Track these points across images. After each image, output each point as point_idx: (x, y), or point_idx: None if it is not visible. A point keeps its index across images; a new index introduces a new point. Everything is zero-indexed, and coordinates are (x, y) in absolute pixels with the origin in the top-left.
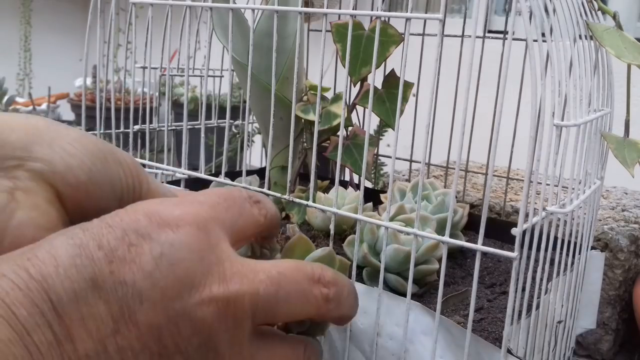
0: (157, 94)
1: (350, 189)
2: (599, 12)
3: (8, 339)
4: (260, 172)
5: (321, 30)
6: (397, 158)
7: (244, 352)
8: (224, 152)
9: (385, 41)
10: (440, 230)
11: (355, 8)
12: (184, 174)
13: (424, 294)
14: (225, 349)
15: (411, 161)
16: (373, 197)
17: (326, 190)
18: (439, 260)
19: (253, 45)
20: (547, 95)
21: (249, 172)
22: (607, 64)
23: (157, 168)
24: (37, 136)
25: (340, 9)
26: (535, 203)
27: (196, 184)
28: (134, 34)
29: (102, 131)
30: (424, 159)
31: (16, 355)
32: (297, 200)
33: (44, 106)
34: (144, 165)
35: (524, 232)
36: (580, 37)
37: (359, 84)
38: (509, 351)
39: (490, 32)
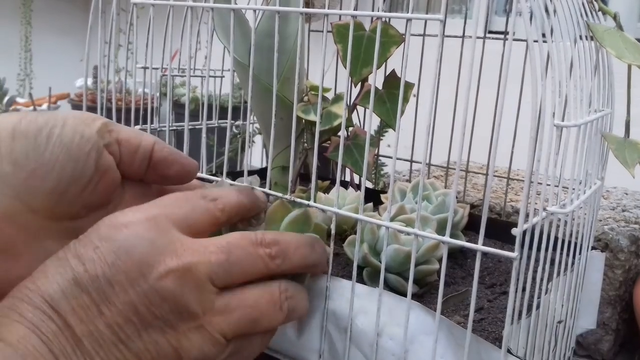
0: (157, 94)
1: (350, 189)
2: (600, 13)
3: (24, 335)
4: (261, 173)
5: (322, 31)
6: (397, 158)
7: (216, 304)
8: (225, 152)
9: (386, 42)
10: (440, 230)
11: (356, 9)
12: None
13: (425, 294)
14: (196, 306)
15: (412, 161)
16: (374, 197)
17: (327, 190)
18: (439, 261)
19: (254, 46)
20: (548, 95)
21: (250, 173)
22: (607, 65)
23: None
24: None
25: (341, 9)
26: (536, 203)
27: None
28: (135, 34)
29: None
30: (424, 159)
31: (34, 345)
32: (298, 200)
33: (44, 106)
34: None
35: (524, 232)
36: (580, 37)
37: (359, 84)
38: (509, 351)
39: (490, 32)
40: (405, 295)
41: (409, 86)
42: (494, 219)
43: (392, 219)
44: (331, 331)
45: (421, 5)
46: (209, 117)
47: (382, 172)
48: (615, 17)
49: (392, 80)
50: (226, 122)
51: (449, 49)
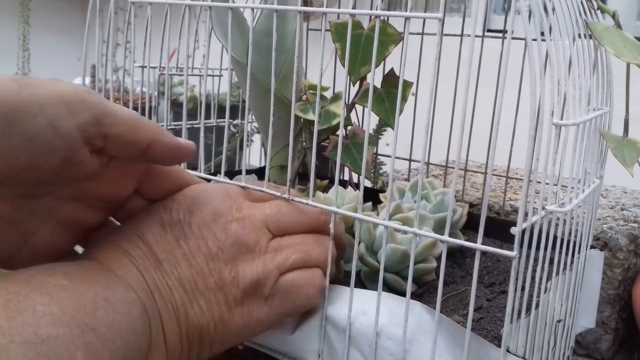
0: (155, 93)
1: (349, 188)
2: (598, 11)
3: (117, 256)
4: (260, 172)
5: (320, 30)
6: (396, 157)
7: (270, 244)
8: (223, 151)
9: (384, 40)
10: (439, 229)
11: (354, 7)
12: None
13: (423, 293)
14: (253, 243)
15: (410, 160)
16: (373, 196)
17: (325, 189)
18: (437, 259)
19: (252, 45)
20: (546, 94)
21: (249, 172)
22: (606, 63)
23: None
24: None
25: (339, 8)
26: (535, 202)
27: None
28: (133, 33)
29: None
30: (423, 158)
31: (125, 263)
32: (297, 199)
33: None
34: None
35: (523, 231)
36: (579, 36)
37: (358, 83)
38: (508, 350)
39: (489, 31)
40: (403, 294)
41: (407, 85)
42: (493, 217)
43: (389, 218)
44: (330, 331)
45: (420, 3)
46: (207, 116)
47: (381, 171)
48: (614, 16)
49: (390, 78)
50: (224, 121)
51: (448, 47)
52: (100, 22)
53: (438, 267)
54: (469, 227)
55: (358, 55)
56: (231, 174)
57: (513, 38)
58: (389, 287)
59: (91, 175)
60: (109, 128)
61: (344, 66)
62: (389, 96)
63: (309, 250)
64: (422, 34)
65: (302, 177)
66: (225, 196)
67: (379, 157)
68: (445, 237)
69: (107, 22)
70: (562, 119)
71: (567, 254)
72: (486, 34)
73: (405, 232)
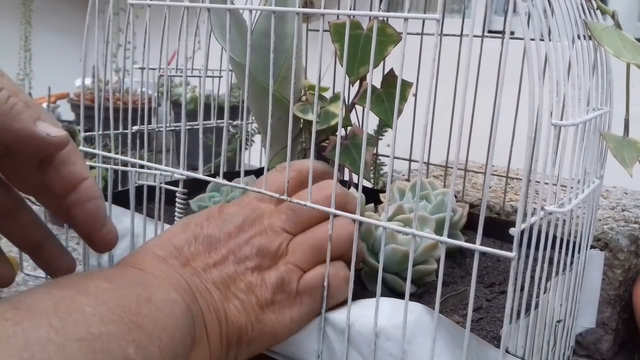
0: (156, 94)
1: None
2: (598, 12)
3: (155, 263)
4: (259, 173)
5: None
6: (396, 157)
7: (289, 245)
8: (222, 152)
9: (383, 41)
10: (439, 230)
11: (353, 8)
12: (182, 174)
13: (423, 294)
14: (275, 249)
15: (410, 160)
16: (373, 197)
17: None
18: (438, 261)
19: (251, 46)
20: (545, 94)
21: (248, 172)
22: (605, 63)
23: (155, 169)
24: None
25: (338, 9)
26: (534, 202)
27: (195, 185)
28: (132, 34)
29: (100, 132)
30: (422, 158)
31: (162, 270)
32: (295, 200)
33: (43, 106)
34: (142, 166)
35: (523, 232)
36: (578, 36)
37: (358, 83)
38: (507, 351)
39: (490, 32)
40: (403, 294)
41: (407, 85)
42: (493, 218)
43: (390, 219)
44: (329, 332)
45: (420, 4)
46: (208, 117)
47: (381, 172)
48: (613, 16)
49: (390, 79)
50: (224, 122)
51: (448, 48)
52: (101, 23)
53: (438, 268)
54: (470, 227)
55: (357, 55)
56: (231, 174)
57: (512, 38)
58: (389, 288)
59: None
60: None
61: (343, 67)
62: (389, 96)
63: (322, 243)
64: (422, 34)
65: None
66: (249, 212)
67: (379, 157)
68: (444, 238)
69: (107, 23)
70: (561, 119)
71: (567, 254)
72: (486, 34)
73: (405, 234)
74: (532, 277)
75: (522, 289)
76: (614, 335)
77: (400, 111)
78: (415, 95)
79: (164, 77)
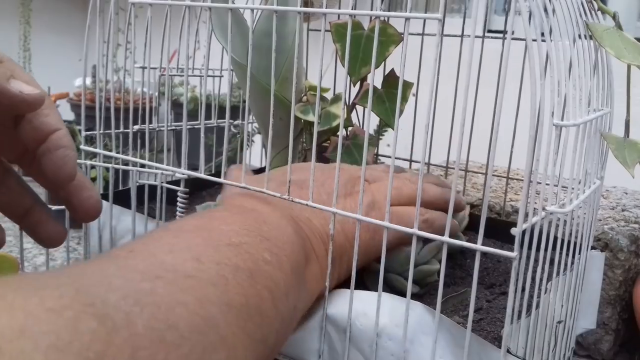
0: (156, 94)
1: None
2: (599, 12)
3: (265, 206)
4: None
5: (321, 30)
6: (396, 157)
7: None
8: (223, 152)
9: (384, 41)
10: None
11: (354, 8)
12: (183, 174)
13: (425, 294)
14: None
15: (411, 161)
16: None
17: None
18: (440, 262)
19: (252, 46)
20: (547, 95)
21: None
22: (606, 64)
23: (156, 168)
24: None
25: (339, 8)
26: (535, 203)
27: (196, 184)
28: (134, 33)
29: (101, 131)
30: (422, 158)
31: (277, 211)
32: (297, 200)
33: None
34: (143, 166)
35: (524, 232)
36: (579, 37)
37: (358, 83)
38: (508, 351)
39: (490, 31)
40: (405, 294)
41: (407, 85)
42: (493, 218)
43: None
44: (330, 332)
45: (420, 4)
46: (208, 117)
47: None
48: (614, 17)
49: (391, 79)
50: (225, 122)
51: (449, 48)
52: (101, 23)
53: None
54: (470, 227)
55: (358, 55)
56: None
57: (513, 39)
58: (392, 288)
59: None
60: None
61: (344, 67)
62: (390, 97)
63: (403, 185)
64: (423, 34)
65: None
66: (329, 168)
67: (380, 157)
68: (446, 238)
69: (107, 22)
70: (562, 119)
71: (567, 254)
72: (487, 34)
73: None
74: (533, 278)
75: (522, 289)
76: (615, 336)
77: (401, 111)
78: (415, 95)
79: (164, 77)
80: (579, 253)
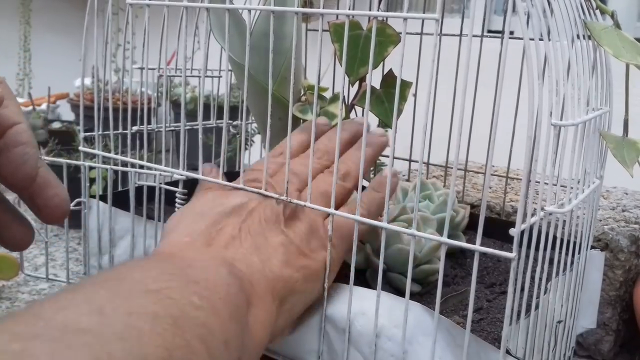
0: (155, 94)
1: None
2: (597, 11)
3: (197, 248)
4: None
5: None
6: (395, 158)
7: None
8: (222, 153)
9: (383, 41)
10: (442, 229)
11: (352, 8)
12: (182, 174)
13: (425, 293)
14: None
15: (410, 161)
16: None
17: None
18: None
19: (251, 46)
20: (545, 94)
21: None
22: (605, 63)
23: (155, 169)
24: None
25: (337, 8)
26: (534, 203)
27: (195, 185)
28: (132, 34)
29: (100, 132)
30: (421, 158)
31: (208, 254)
32: (295, 201)
33: (43, 106)
34: (141, 167)
35: (523, 232)
36: (578, 36)
37: (357, 83)
38: (508, 351)
39: (489, 31)
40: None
41: (406, 85)
42: (493, 218)
43: (394, 220)
44: (330, 332)
45: (419, 4)
46: (208, 117)
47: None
48: (612, 16)
49: (389, 79)
50: (223, 122)
51: (448, 48)
52: (100, 23)
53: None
54: (470, 227)
55: (357, 56)
56: (231, 174)
57: (512, 38)
58: (394, 287)
59: None
60: None
61: (342, 67)
62: (388, 97)
63: (328, 187)
64: (421, 34)
65: None
66: (243, 195)
67: (379, 157)
68: (445, 239)
69: (106, 23)
70: (561, 119)
71: (567, 254)
72: (486, 34)
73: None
74: (533, 278)
75: (522, 289)
76: (615, 336)
77: (400, 111)
78: (415, 95)
79: (163, 77)
80: (579, 252)
